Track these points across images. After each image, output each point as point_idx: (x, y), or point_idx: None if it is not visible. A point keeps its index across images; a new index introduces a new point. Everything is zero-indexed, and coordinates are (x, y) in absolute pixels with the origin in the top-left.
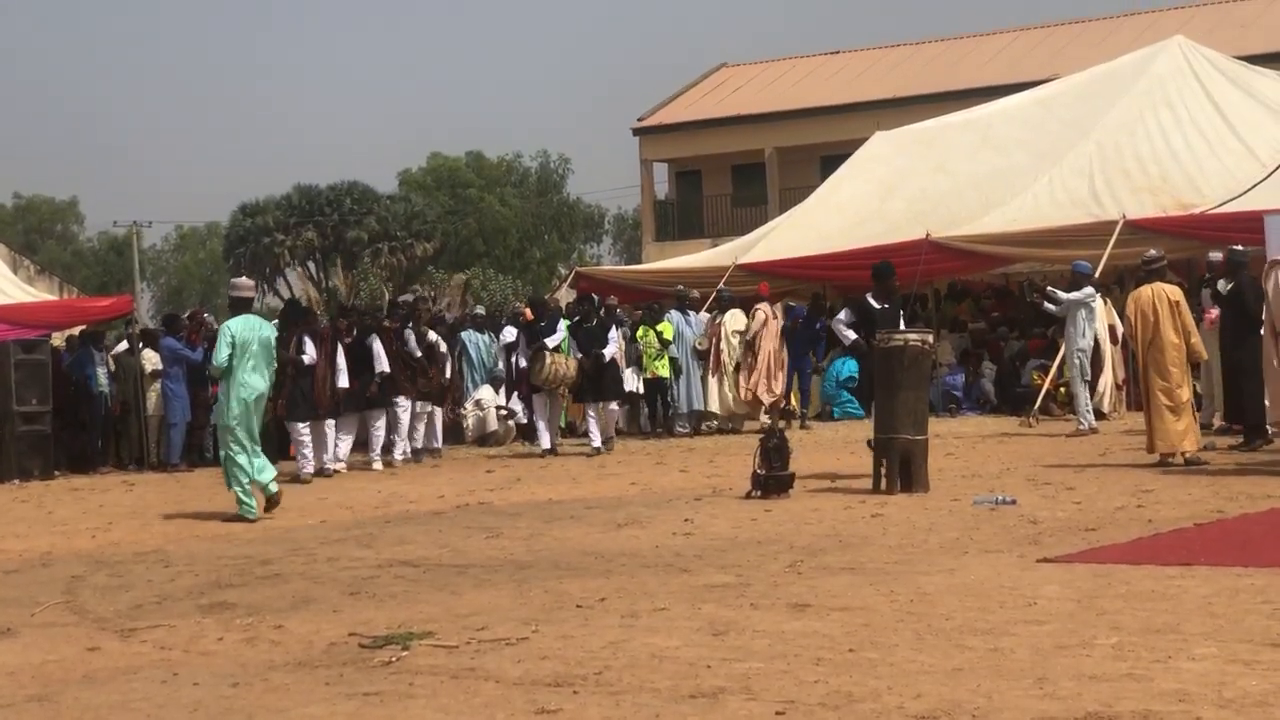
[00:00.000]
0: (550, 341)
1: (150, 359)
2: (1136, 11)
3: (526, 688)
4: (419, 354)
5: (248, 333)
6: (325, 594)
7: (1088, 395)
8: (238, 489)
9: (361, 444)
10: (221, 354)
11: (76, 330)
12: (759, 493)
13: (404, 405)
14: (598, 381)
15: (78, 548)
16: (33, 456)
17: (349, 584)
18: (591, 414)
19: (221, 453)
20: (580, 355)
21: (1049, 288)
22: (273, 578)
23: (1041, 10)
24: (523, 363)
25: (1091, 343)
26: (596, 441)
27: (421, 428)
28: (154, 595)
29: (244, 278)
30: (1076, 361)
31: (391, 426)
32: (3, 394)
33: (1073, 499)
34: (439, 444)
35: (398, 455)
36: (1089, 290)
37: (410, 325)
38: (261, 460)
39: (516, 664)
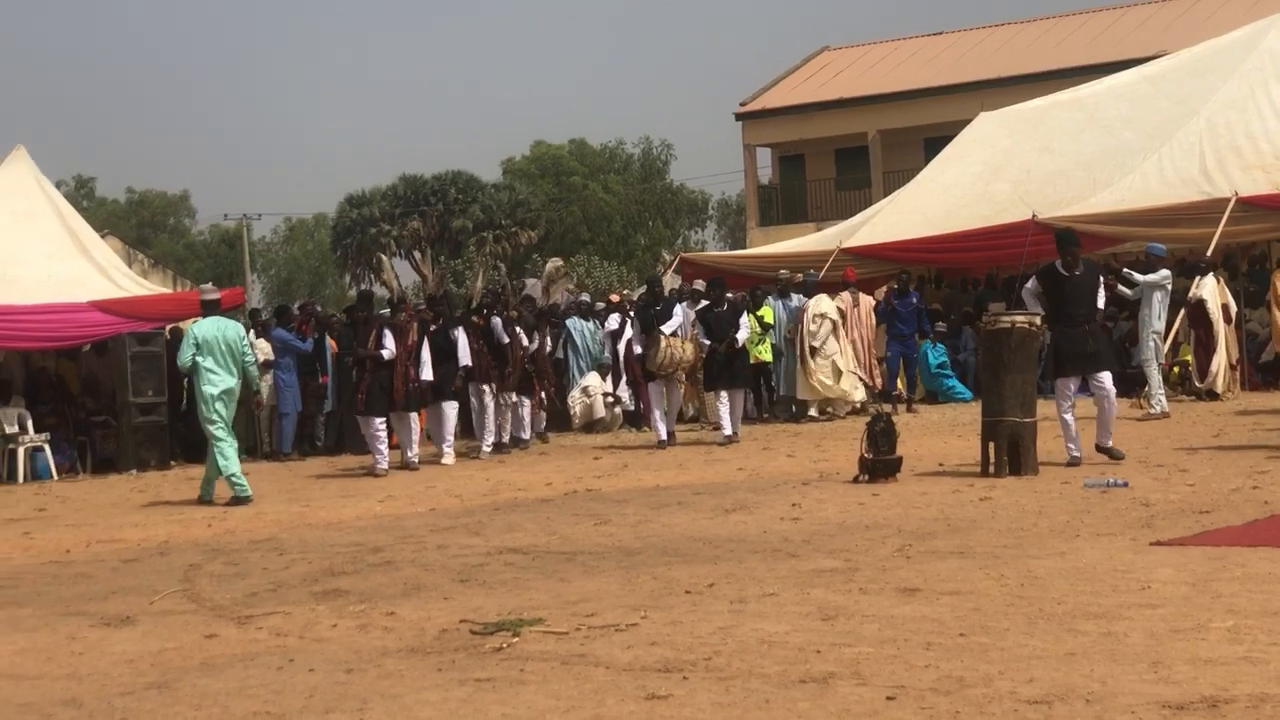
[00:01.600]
0: (666, 327)
1: (262, 349)
2: None
3: (636, 673)
4: (506, 340)
5: (214, 334)
6: (436, 581)
7: (1161, 379)
8: (231, 474)
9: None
10: (185, 354)
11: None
12: (866, 477)
13: (488, 395)
14: (729, 368)
15: (194, 536)
16: (149, 447)
17: (459, 571)
18: (723, 402)
19: (210, 444)
20: (708, 341)
21: (1125, 270)
22: (384, 565)
23: None
24: (636, 349)
25: (1164, 325)
26: (729, 429)
27: (508, 419)
28: (269, 583)
29: (209, 284)
30: (1151, 344)
31: (478, 417)
32: (120, 386)
33: (1186, 481)
34: (527, 435)
35: (485, 447)
36: (1164, 273)
37: (499, 313)
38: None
39: (626, 650)
